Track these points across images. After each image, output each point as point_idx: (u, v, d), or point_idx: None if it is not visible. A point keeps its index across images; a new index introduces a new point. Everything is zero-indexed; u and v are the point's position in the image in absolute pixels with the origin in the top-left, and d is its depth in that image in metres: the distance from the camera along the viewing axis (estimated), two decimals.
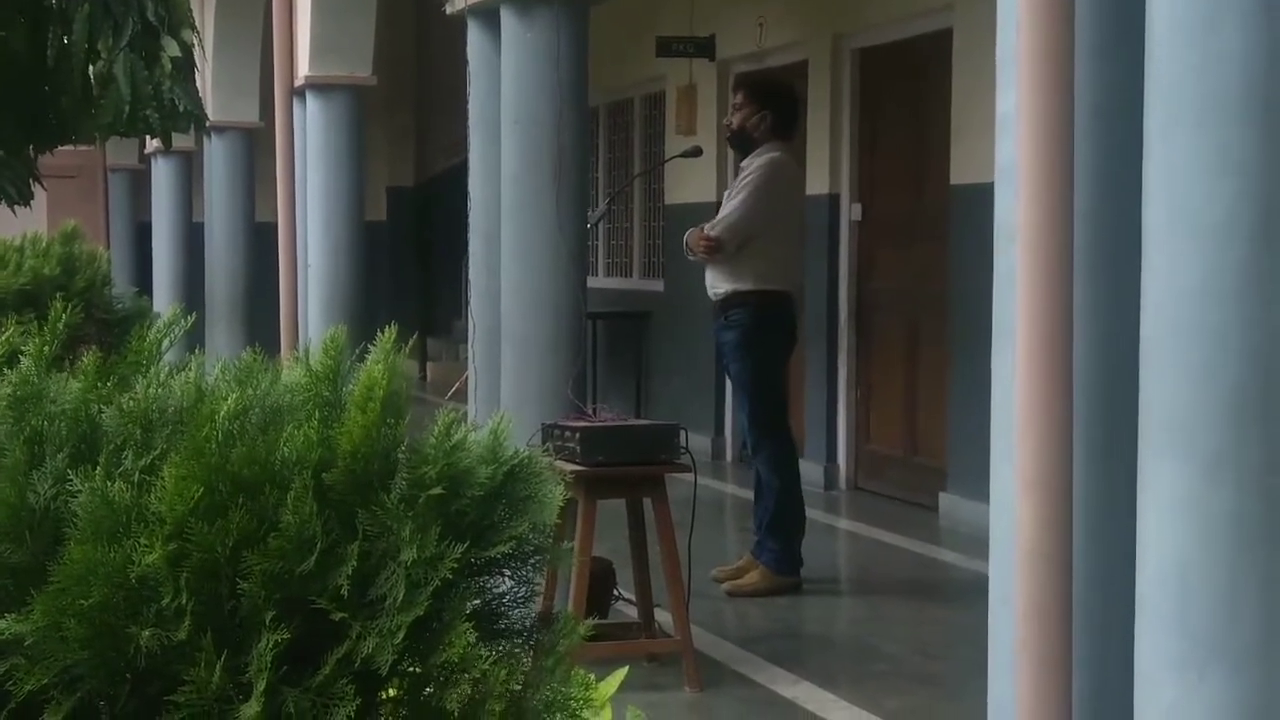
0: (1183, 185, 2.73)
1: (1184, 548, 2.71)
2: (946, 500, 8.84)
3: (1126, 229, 2.99)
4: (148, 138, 9.35)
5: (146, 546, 1.85)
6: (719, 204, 10.26)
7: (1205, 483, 2.68)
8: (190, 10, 7.07)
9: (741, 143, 7.46)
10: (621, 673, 2.70)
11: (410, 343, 2.12)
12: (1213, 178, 2.69)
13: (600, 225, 12.47)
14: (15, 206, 9.08)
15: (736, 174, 7.58)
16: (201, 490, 1.87)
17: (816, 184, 9.80)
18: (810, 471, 10.00)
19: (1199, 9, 2.70)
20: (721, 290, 7.27)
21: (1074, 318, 3.10)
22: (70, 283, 7.04)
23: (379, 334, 2.06)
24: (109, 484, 1.90)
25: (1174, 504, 2.73)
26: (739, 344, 7.24)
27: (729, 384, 10.12)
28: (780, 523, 7.28)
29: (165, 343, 2.20)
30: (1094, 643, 3.13)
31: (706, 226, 7.32)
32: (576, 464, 5.51)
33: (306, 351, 2.10)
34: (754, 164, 7.30)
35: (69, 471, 1.93)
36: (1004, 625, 3.21)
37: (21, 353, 2.09)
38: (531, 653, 2.06)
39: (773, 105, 7.41)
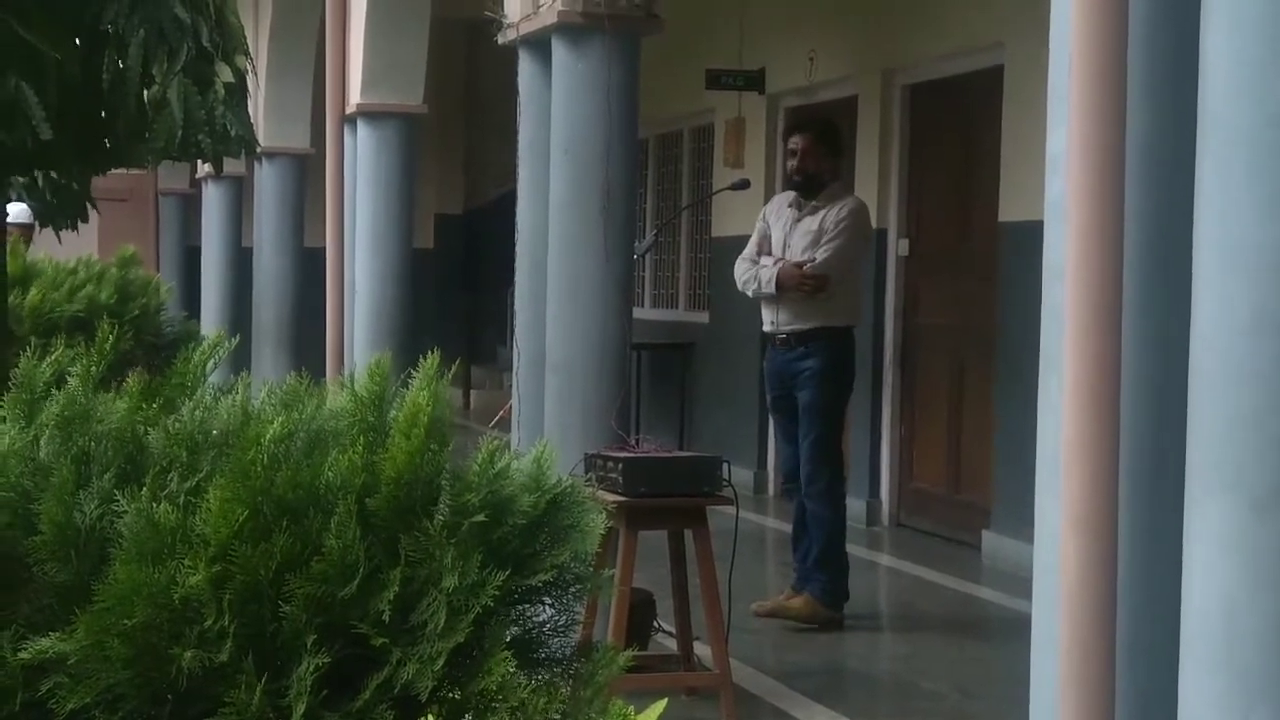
0: (1234, 223, 2.71)
1: (1230, 586, 2.69)
2: (989, 538, 8.78)
3: (1176, 266, 2.97)
4: (199, 162, 9.43)
5: (190, 568, 1.86)
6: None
7: (1253, 520, 2.66)
8: (244, 36, 7.11)
9: (810, 187, 7.47)
10: (660, 705, 2.69)
11: (454, 370, 2.12)
12: (1265, 216, 2.67)
13: (647, 256, 12.47)
14: (62, 231, 9.14)
15: (796, 211, 7.49)
16: (246, 513, 1.88)
17: None
18: (853, 507, 9.93)
19: (1253, 50, 2.69)
20: (807, 326, 7.26)
21: (1122, 355, 3.08)
22: (124, 309, 7.08)
23: (423, 360, 2.06)
24: (154, 505, 1.90)
25: (1221, 542, 2.71)
26: (819, 373, 7.23)
27: (772, 418, 10.12)
28: (830, 556, 7.27)
29: (209, 365, 2.21)
30: (1138, 682, 3.11)
31: (806, 266, 7.27)
32: (618, 494, 5.51)
33: (352, 377, 2.11)
34: (841, 205, 7.33)
35: (115, 492, 1.94)
36: (1047, 664, 3.18)
37: (70, 374, 2.10)
38: (570, 682, 2.05)
39: (838, 150, 7.54)
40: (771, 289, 7.29)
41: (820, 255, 7.26)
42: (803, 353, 7.29)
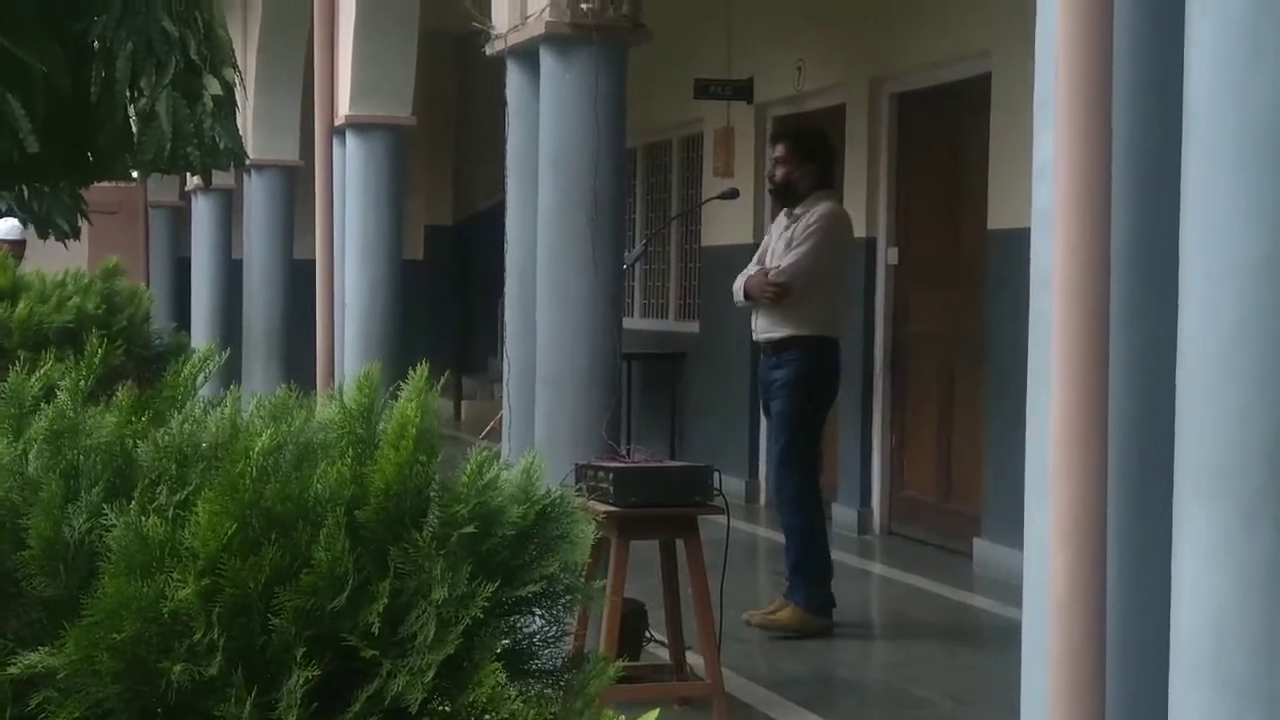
0: (1220, 229, 2.72)
1: (1220, 594, 2.69)
2: (981, 546, 8.79)
3: (1163, 273, 2.98)
4: (188, 175, 9.43)
5: (179, 581, 1.86)
6: (755, 245, 10.29)
7: (1242, 528, 2.66)
8: (232, 49, 7.13)
9: (787, 196, 7.50)
10: (652, 715, 2.69)
11: (443, 381, 2.12)
12: (1251, 222, 2.68)
13: (637, 266, 12.49)
14: (57, 241, 9.15)
15: (786, 220, 7.56)
16: (235, 526, 1.88)
17: (853, 228, 9.79)
18: (844, 516, 9.98)
19: (1239, 54, 2.70)
20: (779, 334, 7.29)
21: (1110, 363, 3.09)
22: (112, 320, 7.06)
23: (412, 371, 2.06)
24: (143, 519, 1.90)
25: (1210, 549, 2.71)
26: (790, 384, 7.25)
27: (764, 426, 10.14)
28: (807, 564, 7.28)
29: (199, 378, 2.21)
30: (1127, 691, 3.11)
31: (771, 273, 7.32)
32: (609, 504, 5.51)
33: (341, 389, 2.11)
34: (814, 212, 7.35)
35: (104, 506, 1.94)
36: (1037, 672, 3.19)
37: (58, 387, 2.10)
38: (561, 693, 2.05)
39: (816, 158, 7.49)
40: (740, 297, 7.37)
41: (784, 263, 7.31)
42: (775, 362, 7.34)
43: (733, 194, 8.45)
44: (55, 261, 9.19)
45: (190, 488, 1.97)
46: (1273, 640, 2.64)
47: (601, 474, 5.63)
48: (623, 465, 5.71)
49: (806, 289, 7.25)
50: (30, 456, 2.01)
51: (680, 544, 5.73)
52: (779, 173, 7.49)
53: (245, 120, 12.57)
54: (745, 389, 11.25)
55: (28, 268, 7.76)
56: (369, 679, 1.87)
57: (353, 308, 10.32)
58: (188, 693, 1.85)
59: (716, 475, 5.74)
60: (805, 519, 7.30)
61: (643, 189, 13.53)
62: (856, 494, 10.07)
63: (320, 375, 9.72)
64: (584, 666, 2.07)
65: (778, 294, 7.24)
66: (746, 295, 7.36)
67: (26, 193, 8.20)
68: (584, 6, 6.64)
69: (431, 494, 1.98)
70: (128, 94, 6.31)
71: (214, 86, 6.68)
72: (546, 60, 6.81)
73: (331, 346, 10.00)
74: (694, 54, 11.73)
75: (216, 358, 2.30)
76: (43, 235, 8.60)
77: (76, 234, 8.64)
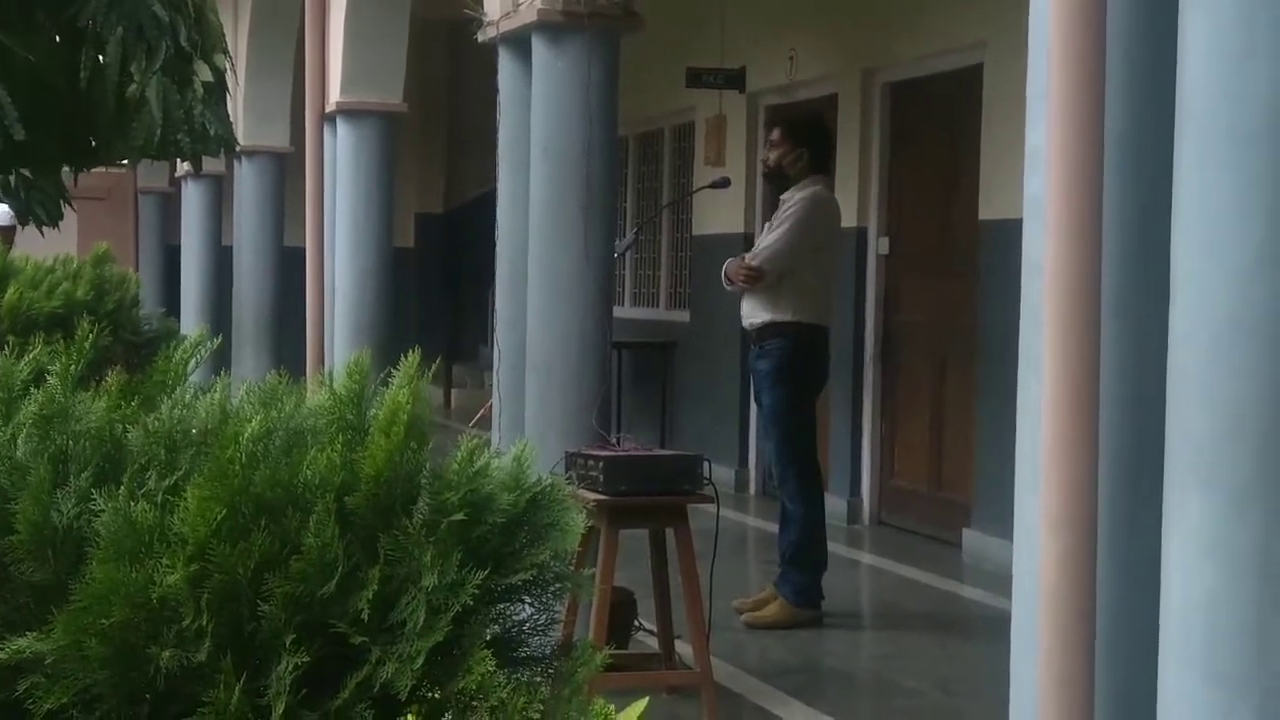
0: (1213, 219, 2.72)
1: (1210, 584, 2.69)
2: (970, 536, 8.80)
3: (1155, 263, 2.98)
4: (178, 161, 9.40)
5: (168, 567, 1.85)
6: (746, 235, 10.30)
7: (1232, 517, 2.66)
8: (223, 35, 7.10)
9: (779, 180, 7.51)
10: (641, 704, 2.68)
11: (434, 368, 2.12)
12: (1243, 212, 2.68)
13: (628, 255, 12.48)
14: (44, 227, 9.12)
15: (775, 207, 7.61)
16: (224, 512, 1.87)
17: (844, 217, 9.79)
18: (833, 505, 9.97)
19: (1233, 44, 2.70)
20: (759, 320, 7.28)
21: (1101, 352, 3.09)
22: (100, 305, 7.07)
23: (403, 359, 2.06)
24: (132, 504, 1.90)
25: (1200, 539, 2.71)
26: (773, 374, 7.24)
27: (754, 415, 10.15)
28: (803, 555, 7.27)
29: (190, 364, 2.21)
30: (1118, 681, 3.11)
31: (747, 256, 7.34)
32: (599, 493, 5.51)
33: (331, 375, 2.10)
34: (796, 197, 7.35)
35: (93, 491, 1.94)
36: (1026, 662, 3.19)
37: (48, 372, 2.09)
38: (550, 681, 2.05)
39: (810, 143, 7.47)
40: (724, 282, 7.39)
41: (760, 245, 7.34)
42: (758, 351, 7.34)
43: (724, 183, 8.46)
44: (45, 247, 9.17)
45: (180, 473, 1.96)
46: (1263, 630, 2.65)
47: (591, 462, 5.63)
48: (612, 454, 5.71)
49: (781, 273, 7.22)
50: (19, 441, 2.00)
51: (670, 533, 5.73)
52: (772, 156, 7.50)
53: (236, 106, 12.54)
54: (736, 378, 11.25)
55: (17, 253, 7.75)
56: (358, 666, 1.87)
57: (343, 295, 10.31)
58: (176, 678, 1.84)
59: (706, 464, 5.74)
60: (806, 510, 7.29)
61: (634, 178, 13.52)
62: (846, 483, 10.07)
63: (310, 362, 9.71)
64: (573, 654, 2.07)
65: (750, 278, 7.24)
66: (728, 280, 7.39)
67: (12, 181, 8.18)
68: None
69: (422, 481, 1.97)
70: (118, 79, 6.29)
71: (204, 72, 6.66)
72: (538, 48, 6.80)
73: (321, 333, 10.00)
74: (686, 43, 11.71)
75: (207, 344, 2.29)
76: (23, 222, 8.58)
77: (55, 221, 8.60)
